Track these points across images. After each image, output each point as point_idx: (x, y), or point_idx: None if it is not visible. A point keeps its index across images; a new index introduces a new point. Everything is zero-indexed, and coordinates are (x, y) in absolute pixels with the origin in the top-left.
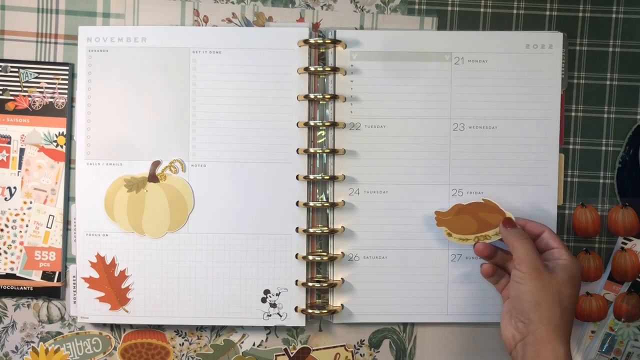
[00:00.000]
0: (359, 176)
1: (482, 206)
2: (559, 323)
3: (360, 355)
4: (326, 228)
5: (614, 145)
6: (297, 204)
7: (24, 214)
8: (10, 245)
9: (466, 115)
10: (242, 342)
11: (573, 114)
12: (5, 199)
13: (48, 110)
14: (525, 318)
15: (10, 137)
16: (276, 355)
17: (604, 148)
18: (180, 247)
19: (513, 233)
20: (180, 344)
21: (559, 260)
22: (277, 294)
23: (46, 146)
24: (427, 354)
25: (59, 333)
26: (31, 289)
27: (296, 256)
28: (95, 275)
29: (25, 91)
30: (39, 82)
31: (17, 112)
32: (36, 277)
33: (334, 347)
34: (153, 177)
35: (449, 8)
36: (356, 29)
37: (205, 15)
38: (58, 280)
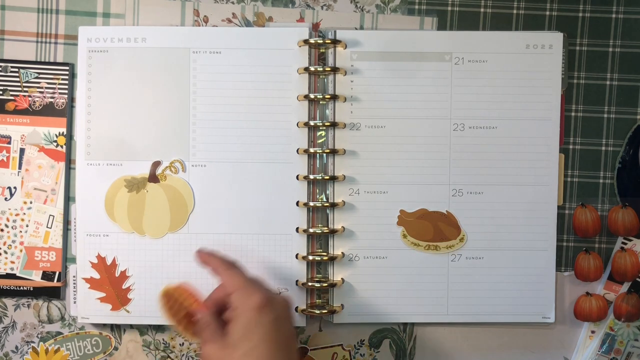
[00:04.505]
0: (359, 176)
1: (444, 217)
2: None
3: (361, 355)
4: (326, 228)
5: (614, 145)
6: (297, 204)
7: (24, 214)
8: (10, 245)
9: (466, 115)
10: None
11: (573, 114)
12: (5, 199)
13: (48, 110)
14: None
15: (10, 137)
16: None
17: (604, 148)
18: (180, 247)
19: (198, 329)
20: (180, 344)
21: (232, 313)
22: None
23: (46, 146)
24: (427, 354)
25: (59, 333)
26: (31, 289)
27: (296, 256)
28: (96, 275)
29: (26, 91)
30: (39, 82)
31: (17, 112)
32: (36, 277)
33: (331, 346)
34: (153, 178)
35: (449, 8)
36: (356, 29)
37: (205, 15)
38: (58, 280)
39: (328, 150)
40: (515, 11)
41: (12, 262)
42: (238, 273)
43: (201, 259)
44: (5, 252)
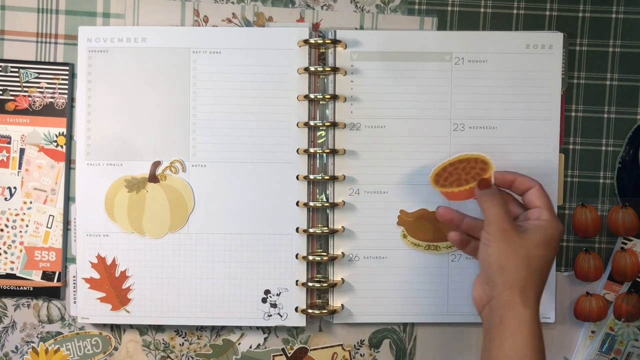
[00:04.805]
0: (359, 176)
1: None
2: (524, 286)
3: (360, 355)
4: (326, 228)
5: (614, 145)
6: (297, 204)
7: (24, 214)
8: (10, 245)
9: (466, 115)
10: (241, 342)
11: (573, 114)
12: (5, 199)
13: (48, 110)
14: (490, 281)
15: (10, 137)
16: (273, 356)
17: (604, 148)
18: (180, 247)
19: (484, 194)
20: (180, 344)
21: (536, 221)
22: (278, 294)
23: (46, 146)
24: (427, 354)
25: (59, 333)
26: (31, 289)
27: (296, 256)
28: (96, 275)
29: (26, 91)
30: (39, 82)
31: (17, 112)
32: (36, 277)
33: (331, 346)
34: (153, 178)
35: (449, 8)
36: (356, 29)
37: (205, 16)
38: (58, 280)
39: (328, 150)
40: (515, 11)
41: (12, 262)
42: (547, 196)
43: (505, 175)
44: (5, 252)
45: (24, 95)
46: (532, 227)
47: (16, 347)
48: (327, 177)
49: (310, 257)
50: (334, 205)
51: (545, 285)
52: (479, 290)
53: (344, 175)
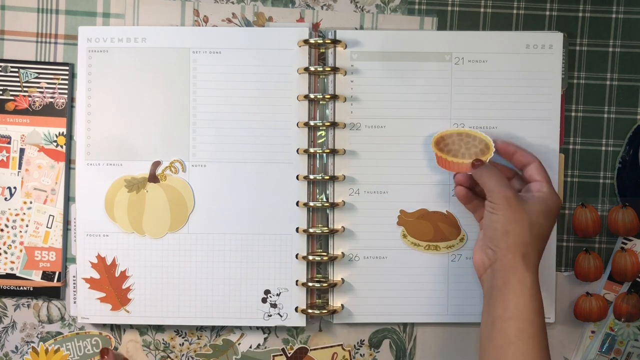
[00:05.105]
0: (359, 176)
1: (444, 217)
2: (526, 251)
3: (360, 355)
4: (326, 228)
5: (614, 145)
6: (297, 204)
7: (24, 214)
8: (10, 245)
9: (466, 115)
10: (241, 342)
11: (573, 114)
12: (5, 199)
13: (48, 110)
14: (495, 245)
15: (10, 137)
16: (273, 356)
17: (604, 148)
18: (180, 247)
19: (481, 170)
20: (180, 344)
21: (537, 193)
22: (278, 294)
23: (46, 146)
24: (427, 354)
25: (59, 333)
26: (31, 289)
27: (296, 256)
28: (96, 275)
29: (25, 91)
30: (39, 82)
31: (17, 112)
32: (36, 277)
33: (331, 346)
34: (153, 178)
35: (449, 8)
36: (356, 29)
37: (205, 15)
38: (58, 280)
39: (328, 150)
40: (515, 11)
41: (12, 262)
42: (545, 172)
43: (507, 147)
44: (5, 252)
45: (24, 95)
46: (533, 198)
47: (16, 347)
48: (327, 177)
49: (310, 257)
50: (334, 205)
51: (543, 252)
52: (481, 255)
53: (344, 175)
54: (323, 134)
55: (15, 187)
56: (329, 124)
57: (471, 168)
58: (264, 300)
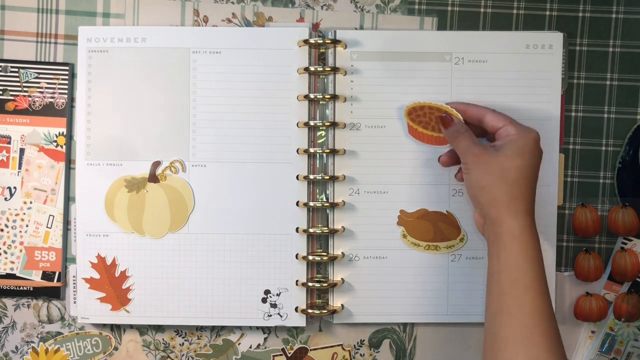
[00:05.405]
0: (359, 176)
1: (444, 217)
2: (509, 200)
3: (360, 355)
4: (326, 228)
5: (614, 145)
6: (297, 204)
7: (24, 214)
8: (10, 245)
9: None
10: (241, 342)
11: (573, 114)
12: (5, 199)
13: (48, 110)
14: (478, 203)
15: (10, 137)
16: (273, 356)
17: (604, 148)
18: (180, 247)
19: (451, 131)
20: (180, 344)
21: (505, 137)
22: (278, 294)
23: (46, 146)
24: (427, 354)
25: (59, 333)
26: (31, 289)
27: (296, 256)
28: (96, 275)
29: (25, 91)
30: (39, 82)
31: (17, 112)
32: (36, 277)
33: (331, 346)
34: (153, 178)
35: (449, 8)
36: (356, 29)
37: (205, 15)
38: (58, 280)
39: (328, 150)
40: (515, 11)
41: (12, 262)
42: (504, 115)
43: (457, 106)
44: (5, 252)
45: (24, 95)
46: (502, 144)
47: (16, 347)
48: (327, 177)
49: (310, 257)
50: (334, 205)
51: (534, 195)
52: (476, 215)
53: (344, 175)
54: (323, 134)
55: (15, 187)
56: (329, 124)
57: (442, 129)
58: (264, 300)
